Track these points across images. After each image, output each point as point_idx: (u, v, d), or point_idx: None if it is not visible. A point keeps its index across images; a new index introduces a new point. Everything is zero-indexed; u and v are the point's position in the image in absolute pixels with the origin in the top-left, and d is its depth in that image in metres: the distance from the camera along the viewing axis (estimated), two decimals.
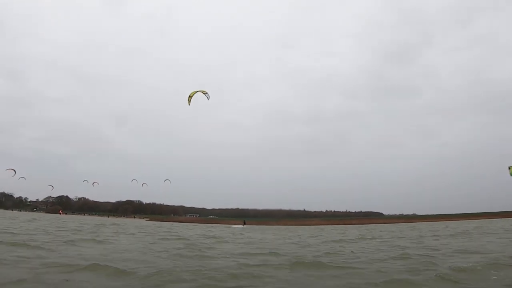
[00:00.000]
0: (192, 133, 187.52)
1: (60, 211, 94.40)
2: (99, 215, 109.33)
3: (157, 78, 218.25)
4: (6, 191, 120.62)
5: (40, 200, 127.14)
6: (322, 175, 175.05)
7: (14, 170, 61.26)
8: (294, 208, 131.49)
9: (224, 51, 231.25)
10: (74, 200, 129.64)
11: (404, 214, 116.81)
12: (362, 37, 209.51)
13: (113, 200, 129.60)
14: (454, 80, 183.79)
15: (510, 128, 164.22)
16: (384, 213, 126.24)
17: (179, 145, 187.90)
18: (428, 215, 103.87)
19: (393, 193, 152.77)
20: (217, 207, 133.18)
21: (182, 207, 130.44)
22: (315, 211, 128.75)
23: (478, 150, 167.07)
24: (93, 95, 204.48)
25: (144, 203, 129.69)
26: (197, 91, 23.49)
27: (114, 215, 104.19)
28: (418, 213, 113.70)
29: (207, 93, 23.71)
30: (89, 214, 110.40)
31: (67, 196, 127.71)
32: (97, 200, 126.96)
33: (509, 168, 35.13)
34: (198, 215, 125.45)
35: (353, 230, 32.73)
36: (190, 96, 23.48)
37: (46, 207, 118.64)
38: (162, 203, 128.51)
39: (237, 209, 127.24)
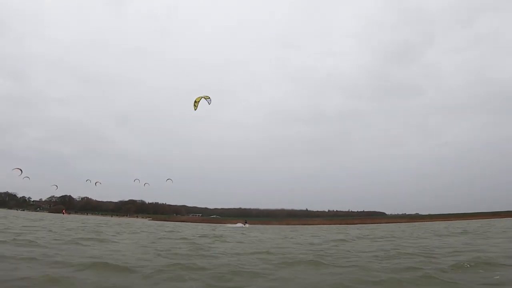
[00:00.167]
0: (194, 132, 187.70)
1: (64, 211, 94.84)
2: (102, 214, 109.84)
3: (158, 77, 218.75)
4: (10, 191, 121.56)
5: (43, 199, 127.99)
6: (324, 175, 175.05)
7: (21, 170, 61.32)
8: (296, 208, 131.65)
9: (224, 51, 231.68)
10: (77, 199, 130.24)
11: (407, 213, 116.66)
12: (362, 37, 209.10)
13: (115, 200, 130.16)
14: (455, 80, 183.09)
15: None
16: (387, 212, 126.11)
17: (181, 145, 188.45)
18: (430, 214, 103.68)
19: (396, 193, 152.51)
20: (219, 207, 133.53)
21: (184, 206, 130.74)
22: (317, 211, 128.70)
23: (480, 149, 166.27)
24: (95, 95, 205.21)
25: (147, 202, 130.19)
26: (202, 97, 24.35)
27: (117, 215, 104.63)
28: (421, 212, 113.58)
29: (209, 98, 24.49)
30: (92, 214, 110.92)
31: (70, 196, 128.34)
32: (100, 199, 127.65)
33: None
34: (200, 214, 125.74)
35: (354, 230, 32.77)
36: (196, 102, 24.26)
37: (49, 206, 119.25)
38: (164, 203, 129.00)
39: (239, 208, 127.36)
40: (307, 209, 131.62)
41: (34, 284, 5.19)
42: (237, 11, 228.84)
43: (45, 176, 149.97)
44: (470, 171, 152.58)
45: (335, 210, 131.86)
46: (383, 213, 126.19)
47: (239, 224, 51.42)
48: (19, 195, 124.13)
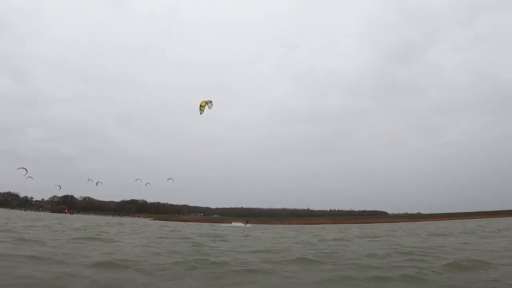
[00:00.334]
0: (195, 132, 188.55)
1: (66, 211, 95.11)
2: (103, 214, 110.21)
3: (159, 77, 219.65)
4: (12, 191, 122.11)
5: (45, 199, 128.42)
6: (325, 174, 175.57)
7: (26, 169, 61.43)
8: (298, 207, 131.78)
9: (224, 51, 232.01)
10: (79, 199, 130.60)
11: (409, 213, 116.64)
12: (362, 36, 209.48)
13: (117, 200, 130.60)
14: (455, 80, 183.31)
15: None
16: (389, 212, 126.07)
17: (182, 144, 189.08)
18: (432, 214, 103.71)
19: (398, 192, 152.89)
20: (221, 206, 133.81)
21: (186, 206, 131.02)
22: (319, 210, 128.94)
23: (482, 148, 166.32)
24: (96, 94, 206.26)
25: (148, 202, 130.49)
26: (206, 102, 25.20)
27: (119, 215, 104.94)
28: (423, 212, 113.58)
29: (211, 102, 25.36)
30: (94, 214, 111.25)
31: (72, 196, 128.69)
32: (102, 199, 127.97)
33: None
34: (202, 214, 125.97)
35: (355, 229, 32.88)
36: (202, 106, 25.08)
37: (52, 206, 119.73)
38: (166, 203, 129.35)
39: (241, 208, 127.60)
40: (308, 209, 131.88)
41: (38, 283, 5.32)
42: (237, 11, 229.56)
43: (47, 176, 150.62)
44: (471, 170, 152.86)
45: (336, 209, 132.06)
46: (385, 213, 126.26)
47: (240, 224, 51.65)
48: (21, 195, 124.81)
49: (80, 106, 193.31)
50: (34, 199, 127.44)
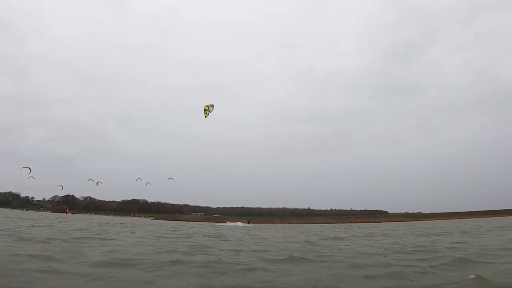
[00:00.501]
0: (195, 131, 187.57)
1: (67, 211, 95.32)
2: (105, 214, 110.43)
3: (159, 77, 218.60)
4: (13, 191, 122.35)
5: (46, 199, 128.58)
6: (325, 174, 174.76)
7: (30, 169, 61.17)
8: (298, 207, 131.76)
9: (226, 50, 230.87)
10: (80, 199, 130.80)
11: (409, 212, 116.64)
12: (362, 36, 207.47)
13: (118, 199, 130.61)
14: (456, 80, 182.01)
15: None
16: (389, 211, 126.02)
17: (183, 144, 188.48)
18: (433, 213, 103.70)
19: (398, 192, 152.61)
20: (221, 206, 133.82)
21: (187, 206, 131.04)
22: (319, 210, 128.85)
23: (482, 148, 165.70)
24: (96, 94, 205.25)
25: (149, 202, 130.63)
26: (208, 106, 25.94)
27: (120, 214, 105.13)
28: (424, 211, 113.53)
29: (212, 106, 26.08)
30: (95, 213, 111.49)
31: (73, 196, 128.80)
32: (103, 199, 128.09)
33: None
34: (203, 213, 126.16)
35: (355, 228, 33.03)
36: (206, 110, 25.77)
37: (53, 206, 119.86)
38: (167, 202, 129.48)
39: (242, 207, 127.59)
40: (309, 208, 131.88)
41: (41, 279, 5.51)
42: (237, 11, 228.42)
43: (47, 176, 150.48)
44: (471, 170, 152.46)
45: (337, 209, 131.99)
46: (386, 212, 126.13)
47: (240, 223, 51.77)
48: (22, 195, 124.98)
49: (80, 106, 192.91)
50: (35, 199, 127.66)
